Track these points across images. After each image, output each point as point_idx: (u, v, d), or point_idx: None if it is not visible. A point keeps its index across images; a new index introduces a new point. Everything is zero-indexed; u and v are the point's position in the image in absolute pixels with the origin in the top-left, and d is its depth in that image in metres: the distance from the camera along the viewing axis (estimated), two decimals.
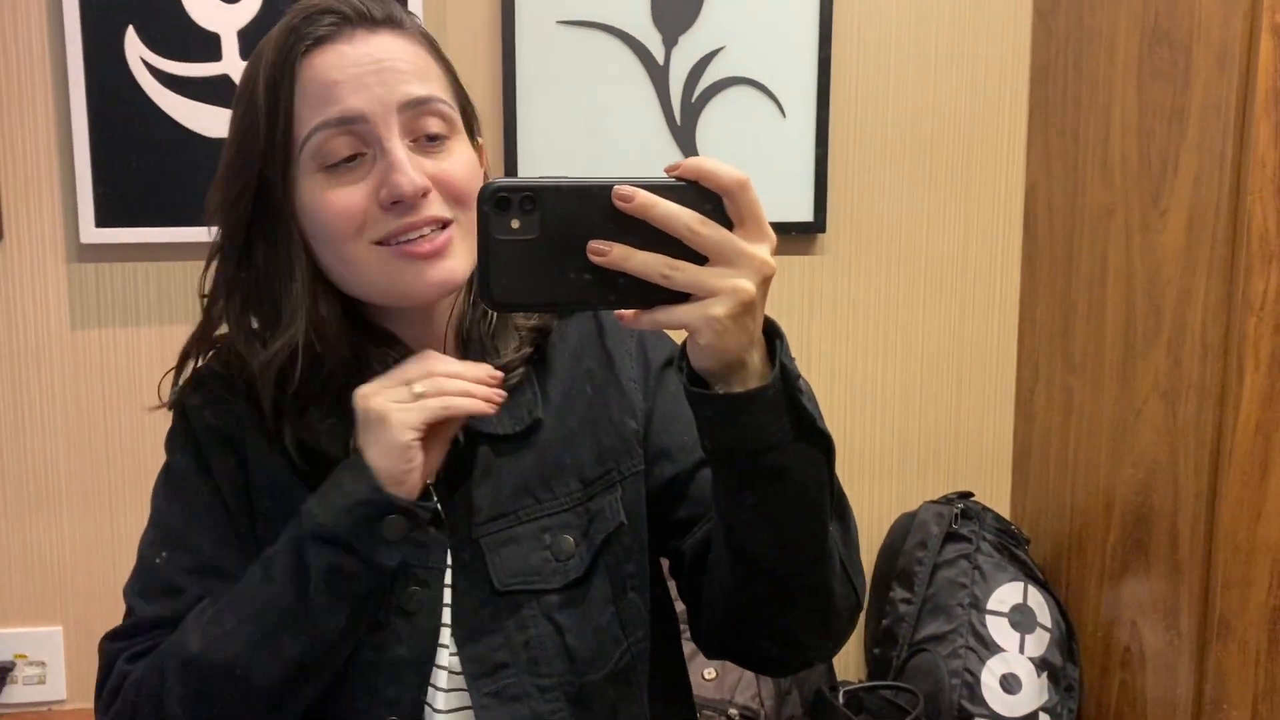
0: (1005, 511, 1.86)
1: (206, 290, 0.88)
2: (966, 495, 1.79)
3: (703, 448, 0.73)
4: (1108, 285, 1.59)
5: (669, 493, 0.89)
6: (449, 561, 0.84)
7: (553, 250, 0.65)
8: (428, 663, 0.83)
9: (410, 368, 0.79)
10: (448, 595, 0.84)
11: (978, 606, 1.66)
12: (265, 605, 0.78)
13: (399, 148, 0.79)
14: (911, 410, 1.84)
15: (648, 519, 0.90)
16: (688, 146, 1.71)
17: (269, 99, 0.80)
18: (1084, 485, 1.67)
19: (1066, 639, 1.68)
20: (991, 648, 1.63)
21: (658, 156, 1.70)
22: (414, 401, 0.77)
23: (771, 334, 0.70)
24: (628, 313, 0.67)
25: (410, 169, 0.79)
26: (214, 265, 0.87)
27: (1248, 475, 1.35)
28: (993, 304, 1.84)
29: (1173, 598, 1.45)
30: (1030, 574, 1.71)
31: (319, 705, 0.82)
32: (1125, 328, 1.55)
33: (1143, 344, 1.51)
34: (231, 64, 1.58)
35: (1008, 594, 1.67)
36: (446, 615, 0.84)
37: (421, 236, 0.80)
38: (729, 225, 0.66)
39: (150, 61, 1.57)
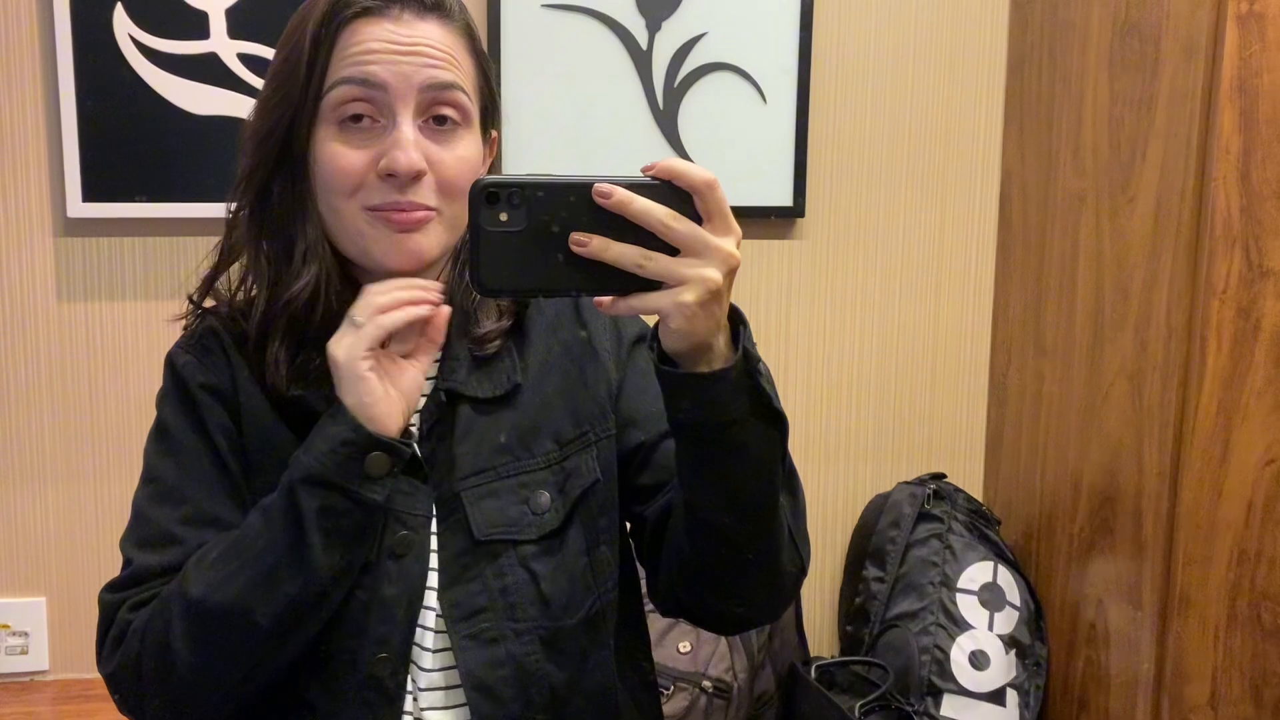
0: (978, 493, 1.90)
1: (230, 217, 0.93)
2: (939, 476, 1.83)
3: (669, 421, 0.79)
4: (1078, 270, 1.62)
5: (634, 459, 0.95)
6: (433, 511, 0.89)
7: (537, 241, 0.71)
8: (416, 603, 0.87)
9: (353, 306, 0.83)
10: (434, 542, 0.89)
11: (948, 585, 1.69)
12: (264, 549, 0.81)
13: (409, 124, 0.85)
14: (887, 392, 1.87)
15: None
16: (670, 131, 1.74)
17: (310, 49, 0.85)
18: (1054, 467, 1.71)
19: (1035, 617, 1.71)
20: (961, 625, 1.67)
21: (640, 140, 1.73)
22: (356, 332, 0.82)
23: (736, 320, 0.76)
24: (605, 299, 0.73)
25: (412, 149, 0.84)
26: (238, 193, 0.92)
27: (1209, 455, 1.38)
28: (967, 289, 1.87)
29: (1136, 576, 1.49)
30: (1000, 554, 1.74)
31: (314, 643, 0.86)
32: (1094, 312, 1.58)
33: (1111, 328, 1.54)
34: (219, 42, 1.60)
35: (978, 573, 1.70)
36: (434, 560, 0.88)
37: (402, 210, 0.86)
38: (699, 220, 0.72)
39: (138, 38, 1.58)
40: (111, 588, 0.89)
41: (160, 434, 0.92)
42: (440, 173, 0.86)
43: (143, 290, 1.65)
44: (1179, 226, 1.39)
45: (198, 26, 1.59)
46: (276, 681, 0.85)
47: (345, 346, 0.82)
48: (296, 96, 0.86)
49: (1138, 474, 1.48)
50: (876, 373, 1.86)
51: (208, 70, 1.60)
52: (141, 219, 1.62)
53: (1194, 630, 1.42)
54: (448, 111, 0.87)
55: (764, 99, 1.75)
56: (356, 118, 0.86)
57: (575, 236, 0.70)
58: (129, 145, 1.59)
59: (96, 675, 0.90)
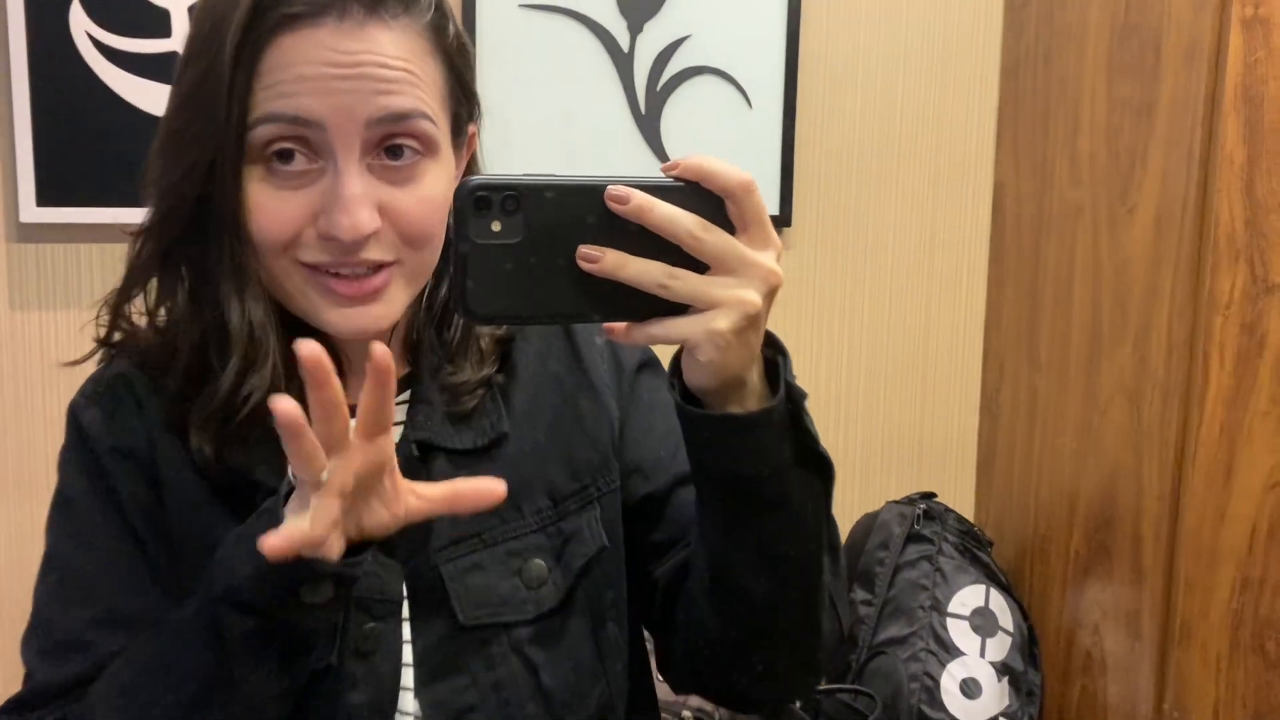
0: (969, 513, 1.84)
1: (135, 257, 0.77)
2: (930, 496, 1.77)
3: (693, 471, 0.67)
4: (1074, 283, 1.57)
5: (643, 513, 0.82)
6: (405, 592, 0.75)
7: (537, 256, 0.59)
8: (389, 709, 0.73)
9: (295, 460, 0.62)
10: (407, 630, 0.75)
11: (939, 609, 1.63)
12: (183, 675, 0.67)
13: (353, 173, 0.68)
14: (876, 408, 1.81)
15: None
16: (652, 136, 1.67)
17: (230, 71, 0.68)
18: (1048, 487, 1.65)
19: (1028, 643, 1.65)
20: (952, 651, 1.60)
21: (621, 146, 1.67)
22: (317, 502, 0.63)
23: (772, 349, 0.64)
24: (619, 326, 0.61)
25: (357, 208, 0.68)
26: (151, 223, 0.75)
27: (1211, 477, 1.32)
28: (959, 301, 1.81)
29: (1135, 602, 1.43)
30: (993, 576, 1.68)
31: None
32: (1091, 326, 1.52)
33: (1109, 343, 1.48)
34: (181, 40, 1.53)
35: (969, 597, 1.64)
36: (408, 653, 0.75)
37: (352, 275, 0.71)
38: (732, 230, 0.60)
39: (96, 36, 1.51)
40: (9, 708, 0.74)
41: (64, 508, 0.78)
42: (399, 219, 0.70)
43: (99, 297, 1.58)
44: (1180, 239, 1.33)
45: (159, 24, 1.53)
46: None
47: (312, 524, 0.62)
48: (214, 132, 0.69)
49: (1137, 495, 1.42)
50: (865, 387, 1.80)
51: (169, 70, 1.53)
52: (99, 224, 1.55)
53: (1195, 660, 1.36)
54: (404, 143, 0.70)
55: (750, 104, 1.69)
56: (286, 154, 0.69)
57: (584, 250, 0.58)
58: (85, 147, 1.52)
59: None
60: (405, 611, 0.75)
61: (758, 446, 0.63)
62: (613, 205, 0.58)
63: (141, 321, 0.79)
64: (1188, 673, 1.36)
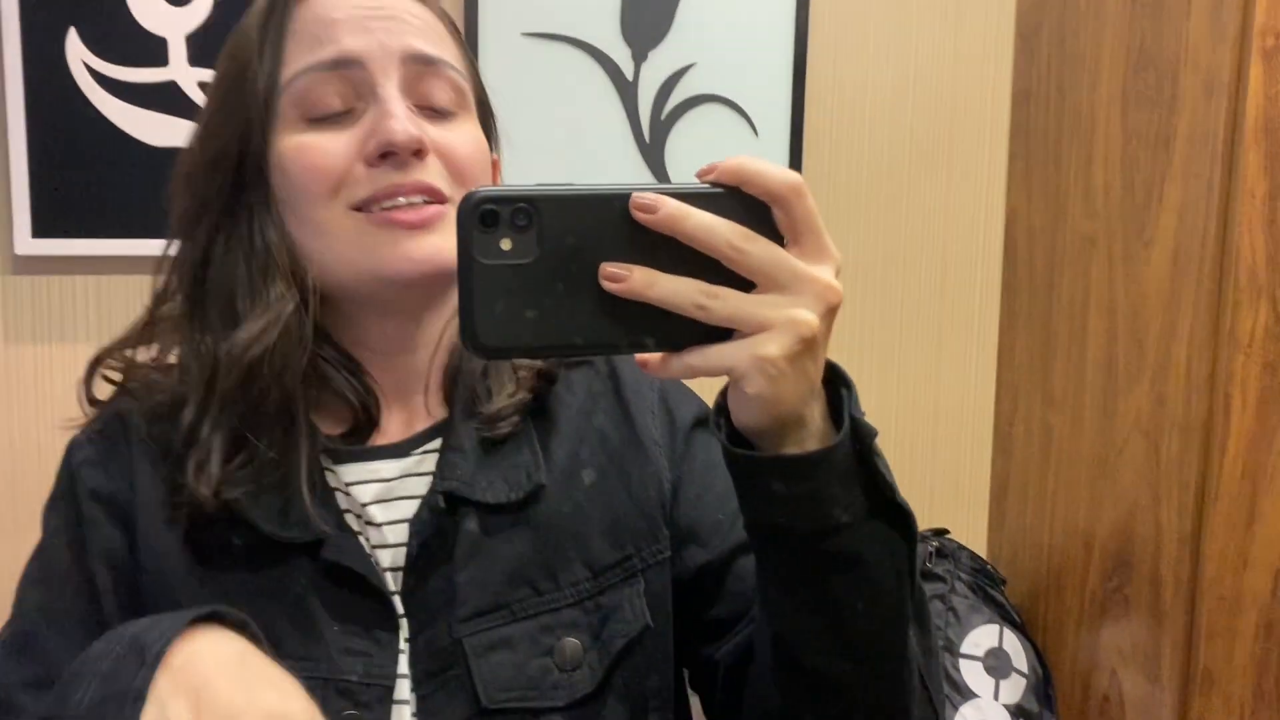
0: (982, 550, 1.80)
1: (159, 286, 0.74)
2: (942, 532, 1.72)
3: (747, 527, 0.58)
4: (1089, 318, 1.53)
5: (700, 586, 0.73)
6: (404, 669, 0.68)
7: (554, 277, 0.51)
8: None
9: None
10: (407, 713, 0.67)
11: (951, 650, 1.59)
12: None
13: (395, 95, 0.66)
14: (886, 443, 1.76)
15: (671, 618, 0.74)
16: (657, 165, 1.65)
17: (258, 39, 0.68)
18: (1063, 525, 1.61)
19: (1043, 685, 1.61)
20: (965, 693, 1.56)
21: (625, 174, 1.64)
22: None
23: (836, 380, 0.56)
24: (653, 357, 0.53)
25: (405, 118, 0.66)
26: (174, 248, 0.73)
27: (1233, 521, 1.28)
28: (971, 335, 1.78)
29: (1154, 646, 1.39)
30: (1006, 616, 1.64)
31: None
32: (1107, 362, 1.49)
33: (1125, 380, 1.45)
34: (179, 70, 1.51)
35: (982, 637, 1.60)
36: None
37: (409, 204, 0.66)
38: (780, 241, 0.52)
39: (93, 65, 1.49)
40: None
41: (38, 550, 0.75)
42: (448, 153, 0.67)
43: (95, 332, 1.56)
44: (1200, 275, 1.29)
45: (156, 53, 1.50)
46: None
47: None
48: (245, 102, 0.67)
49: (1155, 537, 1.38)
50: (875, 421, 1.76)
51: (166, 99, 1.51)
52: (95, 256, 1.52)
53: (1217, 708, 1.31)
54: (441, 97, 0.68)
55: (755, 132, 1.66)
56: (326, 119, 0.67)
57: (607, 269, 0.50)
58: (82, 178, 1.50)
59: None
60: (408, 693, 0.67)
61: (819, 494, 0.54)
62: (639, 215, 0.50)
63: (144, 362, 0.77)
64: None
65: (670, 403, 0.76)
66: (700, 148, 1.65)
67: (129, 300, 1.55)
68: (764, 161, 0.51)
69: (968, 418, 1.79)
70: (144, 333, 0.75)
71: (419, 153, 0.66)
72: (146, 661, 0.53)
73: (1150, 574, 1.39)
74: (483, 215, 0.51)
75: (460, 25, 1.57)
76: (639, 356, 0.53)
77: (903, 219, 1.74)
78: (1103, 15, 1.50)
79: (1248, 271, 1.25)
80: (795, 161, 1.67)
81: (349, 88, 0.67)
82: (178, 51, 1.51)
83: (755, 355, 0.51)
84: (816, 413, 0.55)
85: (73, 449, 0.75)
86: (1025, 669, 1.59)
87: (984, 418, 1.79)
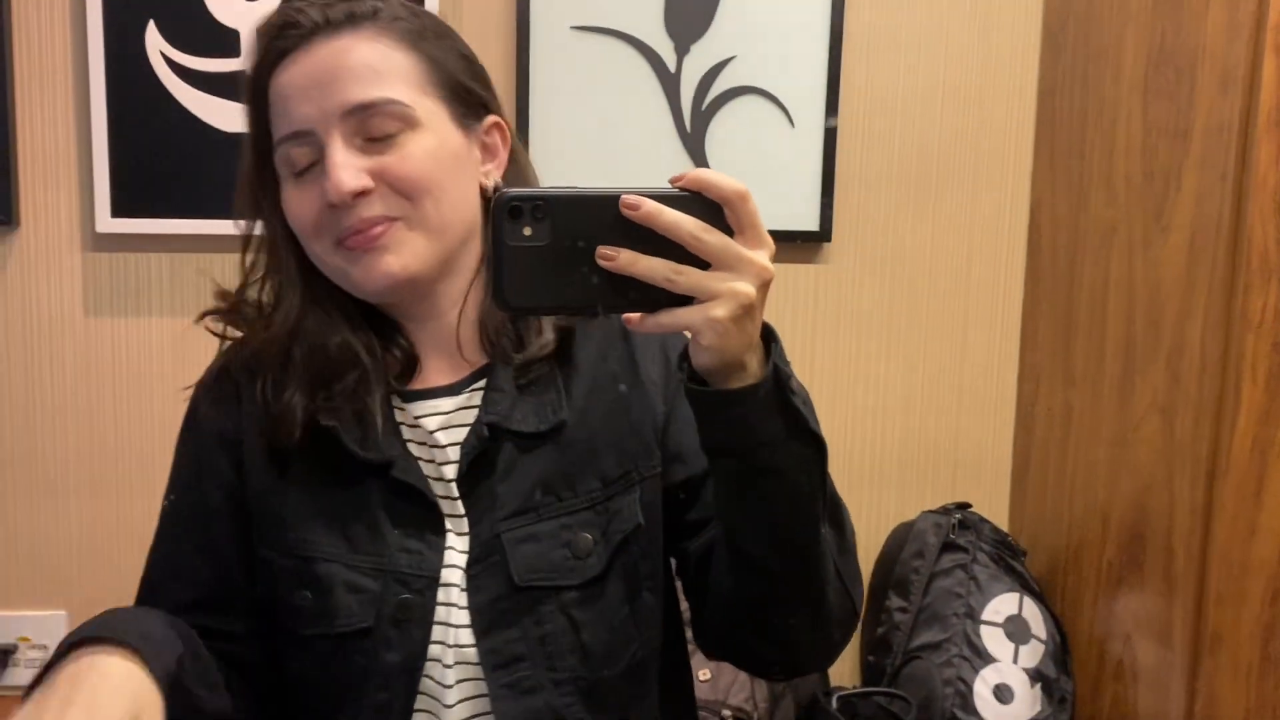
0: (1003, 523, 1.87)
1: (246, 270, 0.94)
2: (965, 506, 1.80)
3: (702, 445, 0.76)
4: (1109, 301, 1.60)
5: (681, 495, 0.92)
6: (450, 561, 0.86)
7: (563, 256, 0.68)
8: (417, 671, 0.84)
9: None
10: (456, 595, 0.85)
11: (973, 616, 1.67)
12: None
13: (337, 152, 0.83)
14: (912, 420, 1.85)
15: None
16: (697, 154, 1.73)
17: (254, 113, 0.87)
18: (1082, 499, 1.68)
19: (1061, 651, 1.69)
20: (985, 657, 1.64)
21: (667, 163, 1.72)
22: None
23: (768, 338, 0.72)
24: (634, 315, 0.69)
25: (341, 172, 0.82)
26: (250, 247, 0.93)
27: (1243, 492, 1.36)
28: (995, 317, 1.85)
29: (1166, 613, 1.46)
30: (1026, 586, 1.71)
31: (310, 706, 0.85)
32: (1125, 344, 1.56)
33: (1142, 360, 1.52)
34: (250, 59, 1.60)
35: (1003, 605, 1.68)
36: (450, 615, 0.85)
37: (359, 232, 0.84)
38: (730, 233, 0.69)
39: (169, 56, 1.59)
40: None
41: (172, 466, 0.93)
42: (389, 176, 0.83)
43: (169, 306, 1.66)
44: (1214, 259, 1.36)
45: (228, 44, 1.60)
46: None
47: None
48: (260, 161, 0.88)
49: (1169, 509, 1.46)
50: (902, 400, 1.84)
51: (237, 87, 1.60)
52: (169, 234, 1.62)
53: (1226, 671, 1.39)
54: (379, 124, 0.83)
55: (792, 123, 1.74)
56: (304, 171, 0.85)
57: (602, 250, 0.68)
58: (158, 161, 1.60)
59: None
60: (456, 577, 0.85)
61: (748, 419, 0.71)
62: (626, 212, 0.67)
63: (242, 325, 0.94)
64: (1218, 683, 1.39)
65: (669, 351, 0.95)
66: (739, 138, 1.73)
67: (200, 276, 1.65)
68: (719, 174, 0.68)
69: (991, 397, 1.86)
70: (229, 307, 0.94)
71: (362, 194, 0.83)
72: (49, 667, 0.71)
73: (1164, 545, 1.47)
74: (510, 209, 0.68)
75: (511, 19, 1.66)
76: (625, 315, 0.70)
77: (932, 206, 1.81)
78: (1126, 12, 1.57)
79: (1259, 255, 1.32)
80: (829, 150, 1.74)
81: (311, 147, 0.84)
82: (248, 42, 1.60)
83: (708, 317, 0.67)
84: (754, 361, 0.71)
85: (196, 394, 0.94)
86: (1044, 636, 1.67)
87: (1007, 397, 1.87)
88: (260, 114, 0.87)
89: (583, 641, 0.85)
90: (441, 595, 0.85)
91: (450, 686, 0.85)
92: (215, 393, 0.92)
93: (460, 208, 0.87)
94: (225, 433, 0.90)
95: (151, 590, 0.90)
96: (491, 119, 0.91)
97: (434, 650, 0.85)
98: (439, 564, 0.85)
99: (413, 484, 0.86)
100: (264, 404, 0.87)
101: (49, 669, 0.70)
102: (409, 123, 0.84)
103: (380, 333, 0.90)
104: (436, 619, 0.85)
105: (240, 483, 0.88)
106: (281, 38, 0.85)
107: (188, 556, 0.89)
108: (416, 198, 0.84)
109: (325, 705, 0.84)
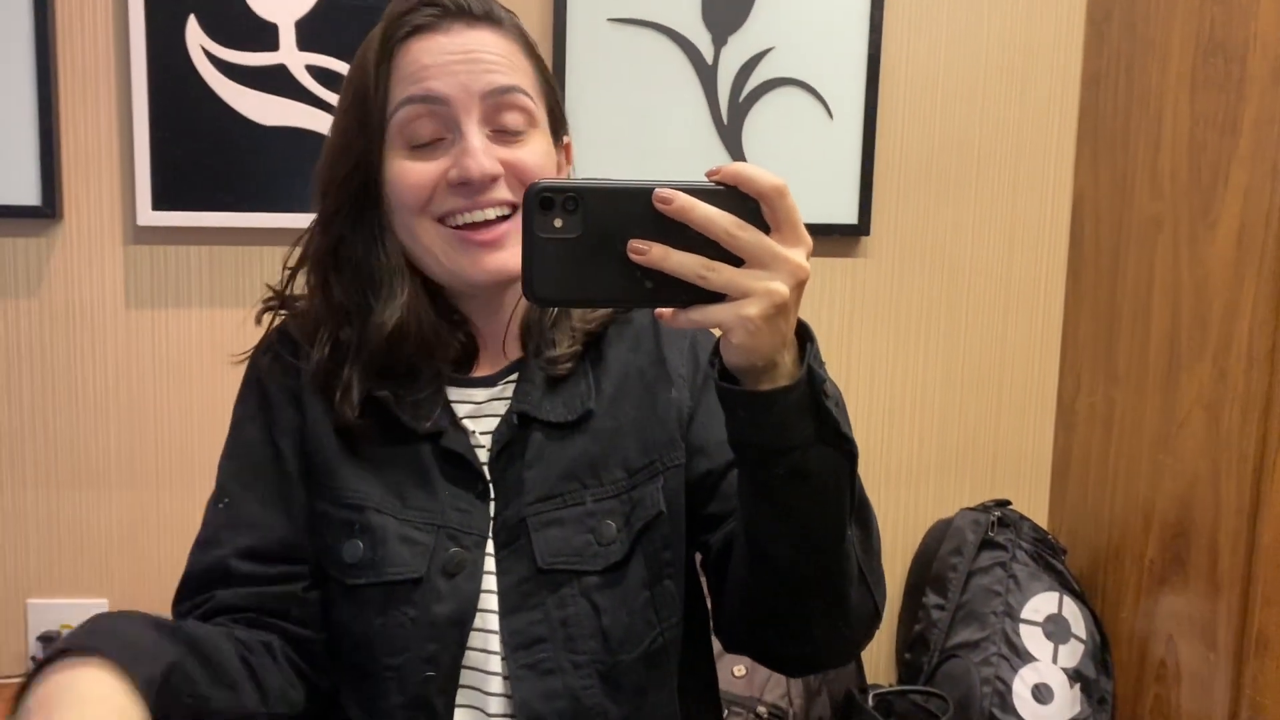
0: (1043, 521, 1.85)
1: (292, 262, 0.95)
2: (1004, 503, 1.78)
3: (729, 442, 0.75)
4: (1153, 296, 1.58)
5: (702, 488, 0.92)
6: (490, 532, 0.88)
7: (594, 249, 0.67)
8: (467, 623, 0.86)
9: None
10: (492, 564, 0.88)
11: (1012, 615, 1.65)
12: None
13: (475, 132, 0.85)
14: (951, 416, 1.83)
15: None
16: (734, 146, 1.72)
17: (373, 77, 0.87)
18: (1123, 497, 1.66)
19: (1101, 651, 1.67)
20: (1024, 656, 1.62)
21: (704, 155, 1.71)
22: None
23: (804, 337, 0.71)
24: (666, 311, 0.68)
25: (482, 154, 0.84)
26: (307, 238, 0.94)
27: None
28: (1036, 312, 1.83)
29: (1211, 613, 1.44)
30: (1066, 584, 1.69)
31: (357, 663, 0.86)
32: (1170, 339, 1.53)
33: (1188, 356, 1.49)
34: (288, 54, 1.61)
35: (1042, 603, 1.66)
36: (491, 582, 0.87)
37: (485, 222, 0.86)
38: (766, 230, 0.67)
39: (210, 50, 1.60)
40: (174, 599, 0.90)
41: (230, 438, 0.95)
42: (517, 168, 0.86)
43: (208, 298, 1.67)
44: (1263, 254, 1.34)
45: (268, 38, 1.61)
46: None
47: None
48: (365, 127, 0.87)
49: (1214, 507, 1.43)
50: (941, 395, 1.83)
51: (277, 82, 1.61)
52: (209, 228, 1.63)
53: (1272, 673, 1.36)
54: (512, 117, 0.86)
55: (830, 115, 1.72)
56: (423, 145, 0.86)
57: (634, 244, 0.66)
58: (198, 154, 1.61)
59: None
60: (490, 548, 0.88)
61: (779, 421, 0.69)
62: (659, 205, 0.66)
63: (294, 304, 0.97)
64: (1264, 684, 1.37)
65: (697, 349, 0.95)
66: (776, 130, 1.72)
67: (239, 269, 1.66)
68: (757, 168, 0.66)
69: (1032, 393, 1.84)
70: (281, 296, 0.97)
71: (491, 180, 0.85)
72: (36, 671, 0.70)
73: (1208, 544, 1.44)
74: (541, 200, 0.67)
75: (549, 14, 1.66)
76: (656, 311, 0.69)
77: (972, 199, 1.79)
78: (1173, 1, 1.54)
79: None
80: (868, 142, 1.73)
81: (438, 122, 0.86)
82: (288, 37, 1.61)
83: (739, 314, 0.66)
84: (788, 360, 0.69)
85: (255, 357, 0.96)
86: (1084, 635, 1.65)
87: (1047, 393, 1.84)
88: (380, 80, 0.87)
89: (603, 626, 0.87)
90: (485, 560, 0.87)
91: (495, 654, 0.86)
92: (276, 351, 0.94)
93: None
94: (289, 388, 0.92)
95: (212, 544, 0.89)
96: (566, 139, 0.96)
97: (485, 600, 0.86)
98: (486, 527, 0.88)
99: (460, 453, 0.89)
100: (325, 374, 0.90)
101: (27, 686, 0.69)
102: (533, 121, 0.88)
103: (447, 321, 0.93)
104: (487, 586, 0.87)
105: (302, 437, 0.91)
106: (419, 13, 0.87)
107: (253, 506, 0.90)
108: None
109: (374, 660, 0.86)
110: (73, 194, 1.63)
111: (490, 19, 0.88)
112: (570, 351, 0.91)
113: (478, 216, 0.86)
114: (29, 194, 1.60)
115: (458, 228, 0.87)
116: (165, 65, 1.59)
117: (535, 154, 0.87)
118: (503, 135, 0.86)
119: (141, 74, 1.59)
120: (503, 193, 0.86)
